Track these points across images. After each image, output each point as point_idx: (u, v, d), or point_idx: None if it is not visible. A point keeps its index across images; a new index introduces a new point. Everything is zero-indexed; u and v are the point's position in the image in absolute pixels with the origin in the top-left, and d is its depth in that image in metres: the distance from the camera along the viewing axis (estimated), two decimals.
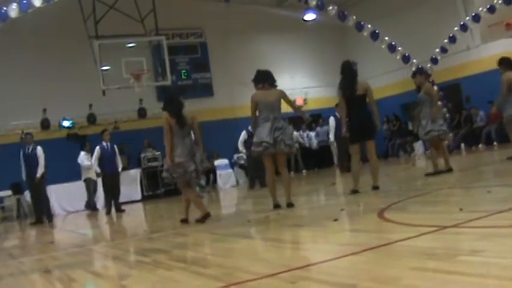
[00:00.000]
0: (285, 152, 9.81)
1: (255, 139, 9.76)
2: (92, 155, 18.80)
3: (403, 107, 26.57)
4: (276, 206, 9.72)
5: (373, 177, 10.76)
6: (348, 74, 10.83)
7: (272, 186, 9.90)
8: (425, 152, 23.96)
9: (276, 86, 10.04)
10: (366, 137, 10.78)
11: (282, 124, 9.67)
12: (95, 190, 19.72)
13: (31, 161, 16.23)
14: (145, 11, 20.73)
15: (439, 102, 21.98)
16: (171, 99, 9.81)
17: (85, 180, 19.43)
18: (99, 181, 19.03)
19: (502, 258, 3.83)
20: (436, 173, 12.08)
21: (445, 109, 22.54)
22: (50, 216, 16.64)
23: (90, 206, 19.67)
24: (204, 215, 9.42)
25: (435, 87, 13.01)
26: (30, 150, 16.32)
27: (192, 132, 9.72)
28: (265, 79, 10.01)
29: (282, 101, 9.87)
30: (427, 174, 12.25)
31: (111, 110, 22.84)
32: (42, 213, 16.56)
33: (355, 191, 10.62)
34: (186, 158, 9.30)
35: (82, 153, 19.58)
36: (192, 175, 9.45)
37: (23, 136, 17.02)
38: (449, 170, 12.24)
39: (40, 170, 16.21)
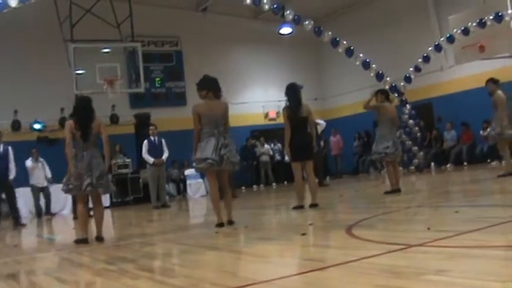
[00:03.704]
0: (230, 169, 9.49)
1: (198, 155, 9.19)
2: (38, 162, 18.77)
3: (375, 124, 26.73)
4: (220, 225, 9.19)
5: (312, 196, 11.21)
6: (294, 96, 11.23)
7: (216, 203, 9.41)
8: (380, 171, 24.19)
9: (220, 97, 9.56)
10: (306, 157, 11.19)
11: (227, 140, 9.21)
12: (37, 197, 19.46)
13: (1, 161, 15.56)
14: (122, 17, 20.70)
15: (412, 121, 22.19)
16: (82, 108, 9.23)
17: (31, 186, 19.21)
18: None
19: (467, 279, 3.86)
20: (394, 191, 12.29)
21: (416, 128, 22.70)
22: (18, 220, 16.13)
23: (38, 212, 19.46)
24: (80, 238, 9.03)
25: (389, 107, 13.18)
26: (1, 149, 15.74)
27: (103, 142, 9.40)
28: (210, 87, 9.52)
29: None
30: (386, 193, 12.51)
31: None
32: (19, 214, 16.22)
33: (300, 207, 11.10)
34: (82, 171, 8.87)
35: (30, 158, 19.33)
36: (87, 189, 8.92)
37: None
38: (398, 190, 12.46)
39: (13, 171, 15.79)
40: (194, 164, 9.51)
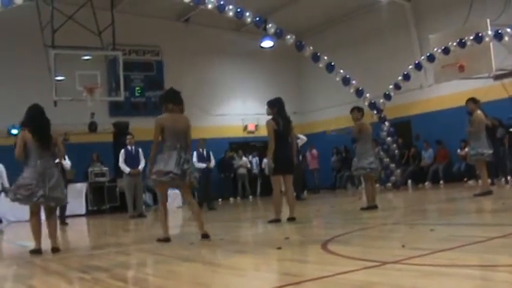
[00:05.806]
0: (193, 184, 9.21)
1: (159, 167, 8.86)
2: None
3: (353, 140, 26.71)
4: (166, 240, 9.01)
5: (290, 209, 11.25)
6: (283, 110, 11.33)
7: (165, 218, 9.30)
8: (357, 187, 24.43)
9: (183, 111, 9.31)
10: (288, 171, 11.30)
11: (188, 155, 9.07)
12: None
13: None
14: (103, 25, 20.63)
15: (392, 139, 22.28)
16: (38, 117, 9.31)
17: None
18: None
19: None
20: (370, 207, 12.37)
21: (394, 145, 22.79)
22: None
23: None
24: (35, 249, 8.92)
25: (366, 123, 13.32)
26: None
27: (54, 153, 9.26)
28: (176, 100, 9.21)
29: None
30: (362, 209, 12.57)
31: (61, 121, 22.52)
32: None
33: (277, 220, 11.10)
34: (34, 181, 8.64)
35: None
36: (40, 200, 8.70)
37: None
38: (375, 206, 12.56)
39: None
40: (153, 177, 9.00)
